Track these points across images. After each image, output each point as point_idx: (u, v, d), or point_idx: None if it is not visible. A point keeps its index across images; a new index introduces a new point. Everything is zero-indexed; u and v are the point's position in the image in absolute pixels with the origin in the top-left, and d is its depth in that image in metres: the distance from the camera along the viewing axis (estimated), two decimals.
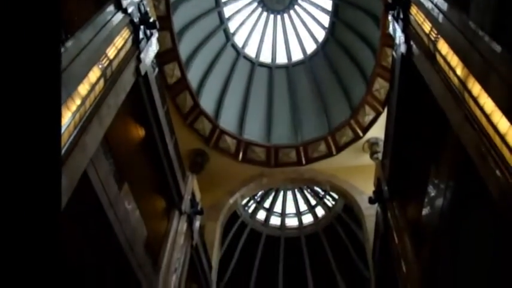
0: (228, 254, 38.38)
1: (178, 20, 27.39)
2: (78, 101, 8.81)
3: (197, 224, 21.65)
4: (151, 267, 14.93)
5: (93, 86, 9.67)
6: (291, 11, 36.04)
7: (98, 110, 9.88)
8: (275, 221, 42.11)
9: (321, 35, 34.36)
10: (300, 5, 35.51)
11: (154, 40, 14.77)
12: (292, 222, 42.35)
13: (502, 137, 6.77)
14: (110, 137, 11.50)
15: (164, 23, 24.05)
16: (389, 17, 15.01)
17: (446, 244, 11.68)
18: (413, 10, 12.57)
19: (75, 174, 8.55)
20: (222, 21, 32.94)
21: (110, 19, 11.21)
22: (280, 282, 40.98)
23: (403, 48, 13.17)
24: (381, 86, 27.65)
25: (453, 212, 10.56)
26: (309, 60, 34.62)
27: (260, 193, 39.40)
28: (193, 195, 21.03)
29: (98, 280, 13.65)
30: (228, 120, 31.69)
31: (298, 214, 42.12)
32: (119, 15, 11.84)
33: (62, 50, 8.11)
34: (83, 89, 9.15)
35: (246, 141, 31.95)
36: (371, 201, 21.00)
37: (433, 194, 12.26)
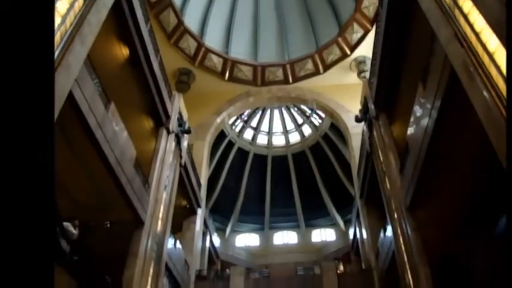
0: (216, 172, 39.12)
1: None
2: (58, 19, 8.49)
3: (185, 143, 21.84)
4: (141, 185, 15.22)
5: (72, 3, 9.27)
6: None
7: (79, 28, 9.53)
8: (262, 139, 42.62)
9: None
10: None
11: None
12: (279, 140, 42.92)
13: (491, 56, 6.72)
14: (94, 56, 11.24)
15: None
16: None
17: (431, 162, 11.98)
18: None
19: (60, 95, 8.43)
20: None
21: None
22: (268, 199, 42.22)
23: None
24: (370, 3, 27.01)
25: (438, 131, 10.72)
26: None
27: (247, 112, 39.52)
28: (180, 114, 21.00)
29: (88, 198, 14.00)
30: (213, 39, 30.98)
31: (285, 133, 42.59)
32: None
33: None
34: (62, 6, 8.78)
35: (232, 60, 31.51)
36: (357, 119, 21.22)
37: (419, 114, 12.37)
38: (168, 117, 19.10)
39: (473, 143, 9.80)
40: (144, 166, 16.13)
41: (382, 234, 20.39)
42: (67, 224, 8.82)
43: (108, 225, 15.02)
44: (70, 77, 9.04)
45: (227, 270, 27.35)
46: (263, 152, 42.38)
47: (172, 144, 19.33)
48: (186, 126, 21.71)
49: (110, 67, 14.30)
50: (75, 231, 8.92)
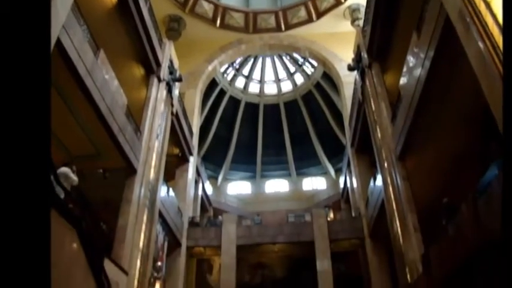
0: (208, 121, 39.10)
1: None
2: None
3: (176, 91, 21.68)
4: (133, 134, 15.22)
5: None
6: None
7: None
8: (254, 88, 42.34)
9: None
10: None
11: None
12: (271, 89, 42.67)
13: (488, 4, 6.61)
14: (82, 3, 10.96)
15: None
16: None
17: (423, 112, 12.03)
18: None
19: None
20: None
21: None
22: (259, 147, 42.44)
23: None
24: None
25: (431, 81, 10.71)
26: None
27: (239, 60, 39.00)
28: (171, 62, 20.74)
29: (81, 147, 14.04)
30: None
31: (277, 81, 42.28)
32: None
33: None
34: None
35: (224, 6, 30.74)
36: (350, 68, 21.09)
37: (412, 63, 12.31)
38: (158, 65, 18.88)
39: (466, 94, 9.83)
40: (135, 115, 16.08)
41: (372, 183, 20.73)
42: (67, 171, 8.83)
43: (102, 173, 15.16)
44: (57, 22, 8.82)
45: (219, 217, 27.84)
46: (255, 100, 42.20)
47: (163, 92, 19.19)
48: (177, 74, 21.49)
49: (98, 14, 13.98)
50: (75, 178, 8.96)
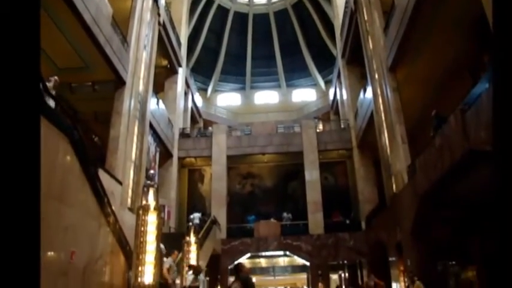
0: (196, 31, 38.15)
1: None
2: None
3: (162, 0, 20.94)
4: (120, 45, 14.91)
5: None
6: None
7: None
8: None
9: None
10: None
11: None
12: None
13: None
14: None
15: None
16: None
17: (416, 22, 11.83)
18: None
19: None
20: None
21: None
22: (249, 58, 41.85)
23: None
24: None
25: None
26: None
27: None
28: None
29: (68, 60, 13.78)
30: None
31: None
32: None
33: None
34: None
35: None
36: None
37: None
38: None
39: (461, 3, 9.63)
40: (122, 25, 15.63)
41: (361, 95, 20.82)
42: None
43: (91, 85, 15.03)
44: None
45: (210, 128, 28.10)
46: (244, 9, 40.86)
47: (149, 1, 18.52)
48: None
49: None
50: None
